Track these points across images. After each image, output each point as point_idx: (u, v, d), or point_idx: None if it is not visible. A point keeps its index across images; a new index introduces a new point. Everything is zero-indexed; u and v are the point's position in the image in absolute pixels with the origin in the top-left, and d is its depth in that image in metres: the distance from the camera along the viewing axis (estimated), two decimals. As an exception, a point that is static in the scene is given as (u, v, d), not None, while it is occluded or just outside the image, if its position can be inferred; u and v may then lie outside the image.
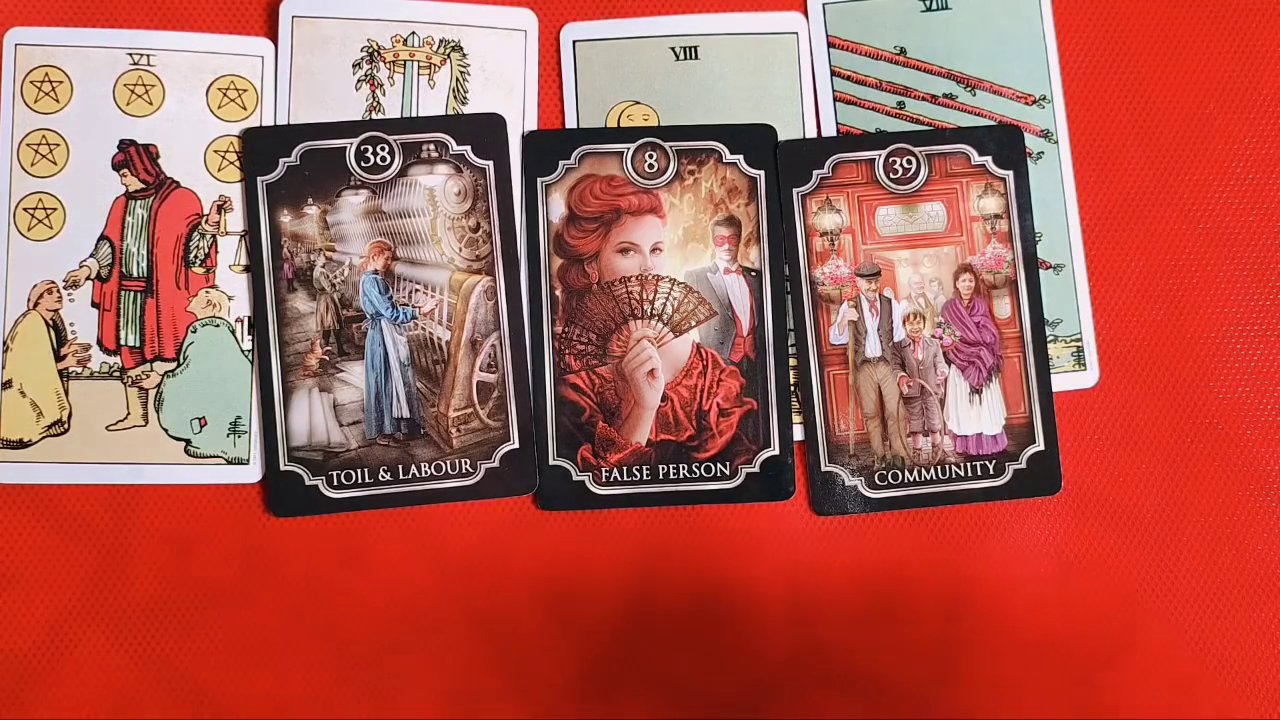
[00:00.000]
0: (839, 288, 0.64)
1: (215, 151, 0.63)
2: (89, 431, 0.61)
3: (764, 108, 0.65)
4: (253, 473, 0.62)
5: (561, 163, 0.64)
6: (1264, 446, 0.65)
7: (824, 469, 0.63)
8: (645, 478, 0.63)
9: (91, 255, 0.62)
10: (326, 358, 0.62)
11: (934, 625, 0.63)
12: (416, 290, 0.63)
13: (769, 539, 0.63)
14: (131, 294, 0.62)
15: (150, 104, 0.63)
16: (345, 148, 0.63)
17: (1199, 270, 0.66)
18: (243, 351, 0.62)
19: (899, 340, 0.64)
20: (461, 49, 0.64)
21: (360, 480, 0.61)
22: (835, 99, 0.65)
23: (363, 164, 0.63)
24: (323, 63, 0.64)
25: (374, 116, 0.63)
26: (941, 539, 0.64)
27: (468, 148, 0.63)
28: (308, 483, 0.61)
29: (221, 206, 0.63)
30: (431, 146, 0.63)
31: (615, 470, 0.62)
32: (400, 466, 0.62)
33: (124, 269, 0.62)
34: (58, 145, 0.62)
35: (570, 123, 0.65)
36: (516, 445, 0.62)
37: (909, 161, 0.64)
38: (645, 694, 0.62)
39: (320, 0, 0.64)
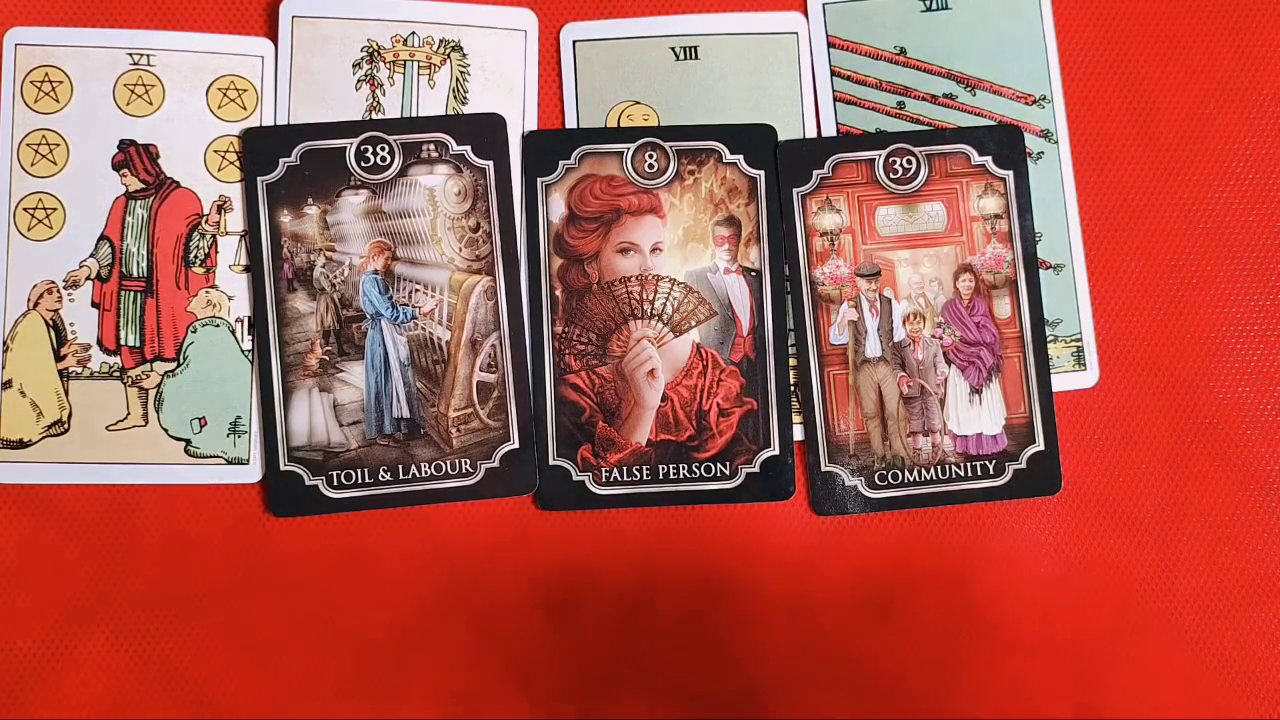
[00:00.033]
0: (839, 288, 0.64)
1: (215, 151, 0.63)
2: (89, 431, 0.61)
3: (764, 108, 0.65)
4: (253, 473, 0.62)
5: (561, 163, 0.64)
6: (1264, 446, 0.65)
7: (824, 469, 0.63)
8: (645, 478, 0.63)
9: (91, 255, 0.62)
10: (326, 358, 0.62)
11: (934, 625, 0.63)
12: (416, 290, 0.63)
13: (769, 539, 0.63)
14: (131, 294, 0.62)
15: (150, 104, 0.63)
16: (345, 148, 0.63)
17: (1199, 270, 0.66)
18: (243, 351, 0.62)
19: (899, 340, 0.64)
20: (461, 49, 0.64)
21: (360, 480, 0.61)
22: (835, 99, 0.65)
23: (363, 164, 0.63)
24: (323, 63, 0.64)
25: (374, 116, 0.63)
26: (941, 539, 0.64)
27: (468, 148, 0.63)
28: (308, 483, 0.61)
29: (221, 206, 0.63)
30: (431, 146, 0.63)
31: (615, 470, 0.62)
32: (400, 466, 0.62)
33: (124, 269, 0.62)
34: (58, 145, 0.62)
35: (570, 123, 0.65)
36: (516, 445, 0.62)
37: (909, 161, 0.64)
38: (645, 694, 0.62)
39: (320, 0, 0.64)
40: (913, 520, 0.64)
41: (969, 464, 0.63)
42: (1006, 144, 0.65)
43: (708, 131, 0.64)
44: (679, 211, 0.64)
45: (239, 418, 0.62)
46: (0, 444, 0.61)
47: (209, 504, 0.62)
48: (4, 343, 0.61)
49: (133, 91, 0.63)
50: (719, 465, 0.63)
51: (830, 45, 0.66)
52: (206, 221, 0.63)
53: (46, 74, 0.62)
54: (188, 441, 0.62)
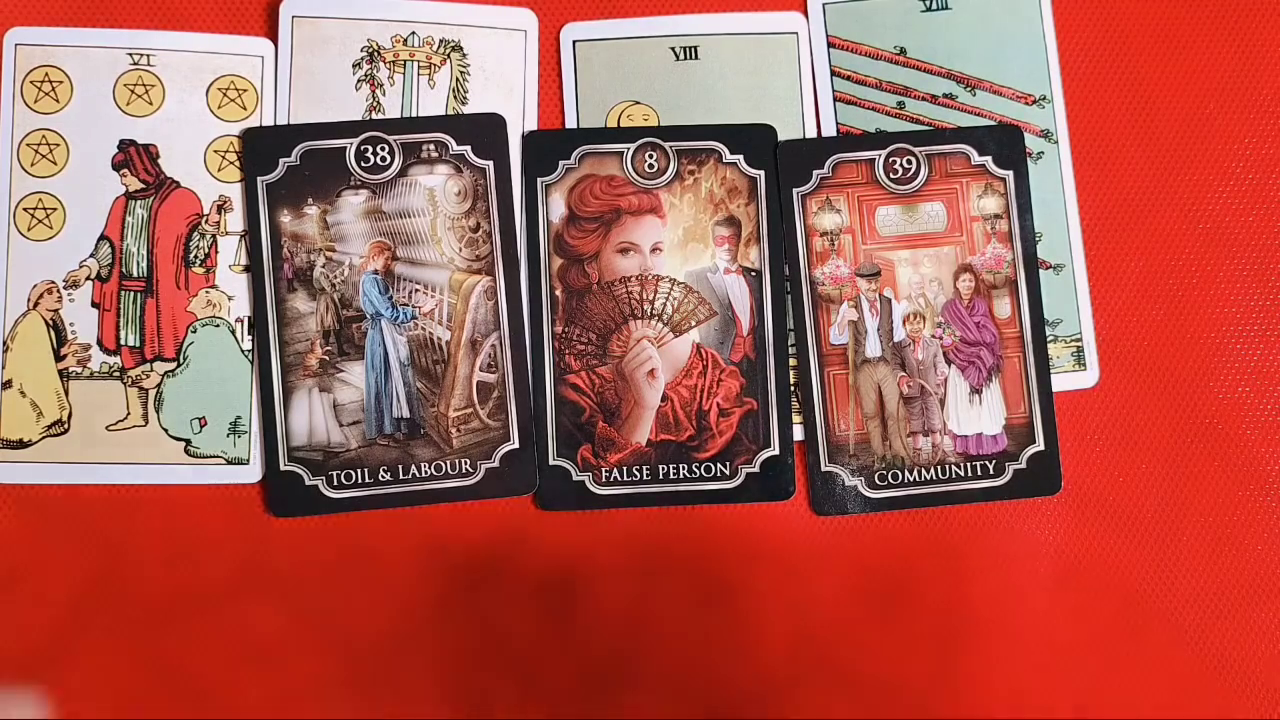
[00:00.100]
0: (839, 288, 0.64)
1: (215, 151, 0.63)
2: (89, 431, 0.61)
3: (764, 108, 0.65)
4: (253, 473, 0.62)
5: (561, 163, 0.64)
6: (1264, 446, 0.65)
7: (824, 469, 0.63)
8: (645, 478, 0.63)
9: (91, 255, 0.62)
10: (326, 358, 0.62)
11: (934, 625, 0.63)
12: (416, 290, 0.63)
13: (769, 539, 0.63)
14: (131, 294, 0.62)
15: (150, 104, 0.63)
16: (345, 148, 0.63)
17: (1199, 270, 0.66)
18: (243, 351, 0.62)
19: (899, 340, 0.64)
20: (461, 49, 0.64)
21: (360, 480, 0.61)
22: (835, 99, 0.65)
23: (363, 164, 0.63)
24: (323, 63, 0.64)
25: (374, 116, 0.63)
26: (941, 539, 0.64)
27: (468, 148, 0.63)
28: (308, 483, 0.61)
29: (221, 206, 0.63)
30: (431, 146, 0.63)
31: (615, 470, 0.62)
32: (400, 466, 0.62)
33: (124, 269, 0.62)
34: (58, 145, 0.62)
35: (570, 123, 0.65)
36: (516, 445, 0.62)
37: (909, 161, 0.64)
38: (645, 694, 0.62)
39: (320, 0, 0.64)
40: (913, 520, 0.64)
41: (969, 464, 0.63)
42: (1006, 144, 0.65)
43: (708, 131, 0.64)
44: (679, 211, 0.64)
45: (239, 418, 0.62)
46: (0, 444, 0.61)
47: (209, 504, 0.62)
48: (4, 343, 0.61)
49: (133, 91, 0.63)
50: (719, 465, 0.63)
51: (830, 45, 0.66)
52: (206, 221, 0.63)
53: (46, 74, 0.62)
54: (188, 441, 0.62)
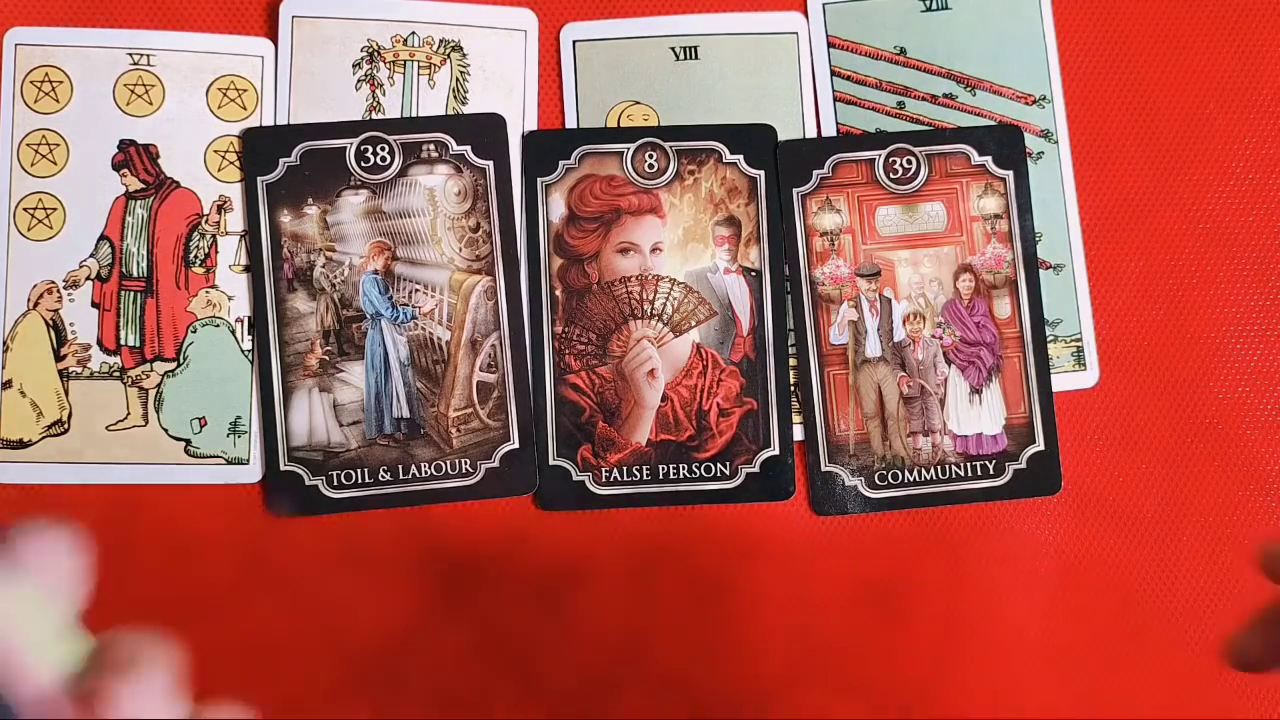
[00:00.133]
0: (839, 288, 0.64)
1: (215, 151, 0.63)
2: (89, 431, 0.61)
3: (764, 108, 0.65)
4: (253, 473, 0.62)
5: (561, 163, 0.64)
6: (1264, 446, 0.65)
7: (824, 469, 0.63)
8: (645, 478, 0.63)
9: (91, 255, 0.62)
10: (326, 358, 0.62)
11: (934, 625, 0.63)
12: (416, 290, 0.63)
13: (769, 539, 0.63)
14: (131, 294, 0.62)
15: (150, 104, 0.63)
16: (345, 148, 0.63)
17: (1199, 270, 0.66)
18: (243, 351, 0.62)
19: (899, 340, 0.64)
20: (461, 49, 0.64)
21: (360, 480, 0.61)
22: (835, 99, 0.65)
23: (363, 164, 0.63)
24: (323, 63, 0.64)
25: (374, 116, 0.63)
26: (941, 539, 0.64)
27: (468, 148, 0.63)
28: (308, 483, 0.61)
29: (221, 206, 0.63)
30: (431, 146, 0.63)
31: (615, 470, 0.62)
32: (400, 466, 0.62)
33: (124, 269, 0.62)
34: (58, 145, 0.62)
35: (570, 123, 0.65)
36: (516, 445, 0.62)
37: (909, 161, 0.64)
38: (645, 694, 0.62)
39: (320, 0, 0.64)
40: (913, 520, 0.64)
41: (969, 464, 0.63)
42: (1006, 144, 0.65)
43: (708, 131, 0.64)
44: (679, 211, 0.64)
45: (239, 418, 0.62)
46: (0, 444, 0.61)
47: (209, 504, 0.62)
48: (4, 343, 0.61)
49: (133, 91, 0.63)
50: (719, 465, 0.63)
51: (830, 45, 0.66)
52: (206, 221, 0.63)
53: (46, 74, 0.62)
54: (188, 441, 0.62)
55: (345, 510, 0.61)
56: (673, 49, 0.65)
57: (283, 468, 0.61)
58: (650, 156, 0.64)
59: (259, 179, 0.62)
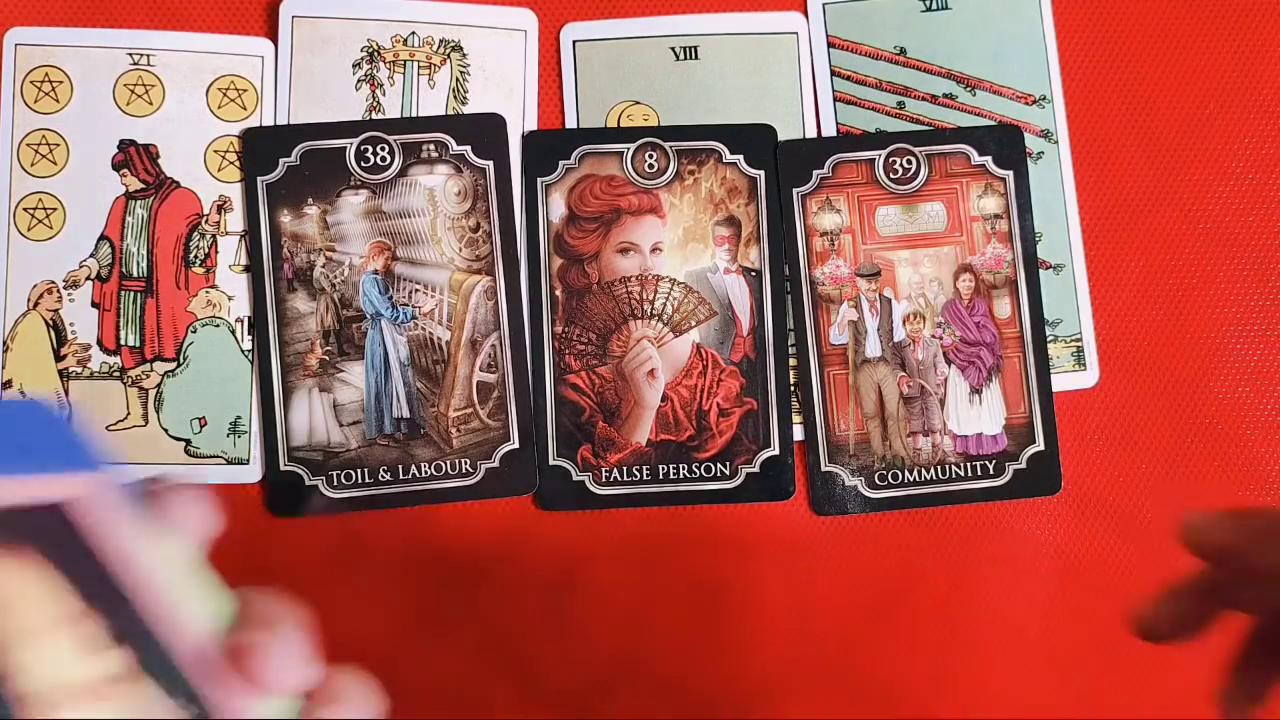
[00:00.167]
0: (839, 288, 0.64)
1: (215, 151, 0.63)
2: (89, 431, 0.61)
3: (764, 108, 0.65)
4: (253, 473, 0.62)
5: (561, 163, 0.64)
6: (1264, 446, 0.65)
7: (824, 469, 0.63)
8: (645, 478, 0.62)
9: (91, 255, 0.62)
10: (326, 358, 0.62)
11: (934, 625, 0.63)
12: (416, 290, 0.63)
13: (769, 539, 0.63)
14: (131, 294, 0.62)
15: (150, 104, 0.63)
16: (345, 148, 0.63)
17: (1199, 270, 0.66)
18: (243, 351, 0.62)
19: (899, 340, 0.64)
20: (461, 49, 0.64)
21: (360, 480, 0.61)
22: (835, 99, 0.65)
23: (363, 164, 0.63)
24: (323, 63, 0.64)
25: (374, 116, 0.63)
26: (941, 539, 0.64)
27: (468, 148, 0.63)
28: (308, 483, 0.61)
29: (221, 206, 0.63)
30: (431, 146, 0.63)
31: (615, 470, 0.62)
32: (400, 466, 0.62)
33: (124, 269, 0.62)
34: (58, 145, 0.62)
35: (570, 123, 0.65)
36: (516, 445, 0.62)
37: (909, 161, 0.64)
38: (645, 694, 0.62)
39: (320, 0, 0.64)
40: (913, 520, 0.64)
41: (969, 464, 0.63)
42: (1006, 144, 0.65)
43: (708, 131, 0.64)
44: (679, 211, 0.64)
45: (239, 418, 0.62)
46: (0, 444, 0.61)
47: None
48: (4, 343, 0.61)
49: (133, 91, 0.63)
50: (719, 465, 0.63)
51: (830, 45, 0.66)
52: (206, 221, 0.63)
53: (46, 74, 0.62)
54: (188, 441, 0.62)
55: (345, 510, 0.61)
56: (673, 49, 0.65)
57: (283, 468, 0.61)
58: (650, 156, 0.64)
59: (259, 179, 0.62)
